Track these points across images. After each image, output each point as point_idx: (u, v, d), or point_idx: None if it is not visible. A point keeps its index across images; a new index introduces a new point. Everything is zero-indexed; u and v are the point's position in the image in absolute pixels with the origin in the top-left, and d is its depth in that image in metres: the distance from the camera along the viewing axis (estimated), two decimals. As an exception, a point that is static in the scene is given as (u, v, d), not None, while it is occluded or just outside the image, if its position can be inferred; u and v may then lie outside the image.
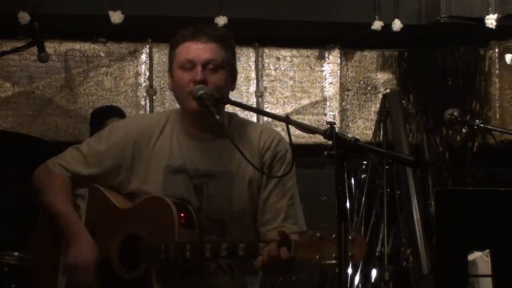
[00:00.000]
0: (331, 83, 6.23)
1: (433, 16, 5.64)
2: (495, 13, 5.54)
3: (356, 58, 6.29)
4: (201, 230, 2.98)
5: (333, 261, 2.60)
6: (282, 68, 6.15)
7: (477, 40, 6.14)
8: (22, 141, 5.15)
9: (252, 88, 6.09)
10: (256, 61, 6.08)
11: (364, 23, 5.66)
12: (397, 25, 5.64)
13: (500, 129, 5.01)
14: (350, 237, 2.53)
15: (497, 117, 6.11)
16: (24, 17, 5.02)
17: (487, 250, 3.08)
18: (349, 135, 2.65)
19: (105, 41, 5.86)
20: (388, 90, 6.23)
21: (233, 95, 5.69)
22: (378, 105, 6.19)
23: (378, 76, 6.32)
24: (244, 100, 5.96)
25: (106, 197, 3.12)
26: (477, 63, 6.21)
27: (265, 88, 6.12)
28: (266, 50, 6.13)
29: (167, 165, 3.05)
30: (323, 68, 6.22)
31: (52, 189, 3.14)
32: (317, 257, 2.63)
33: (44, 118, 5.76)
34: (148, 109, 5.87)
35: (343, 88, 6.25)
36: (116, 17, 5.25)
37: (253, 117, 5.92)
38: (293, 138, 2.76)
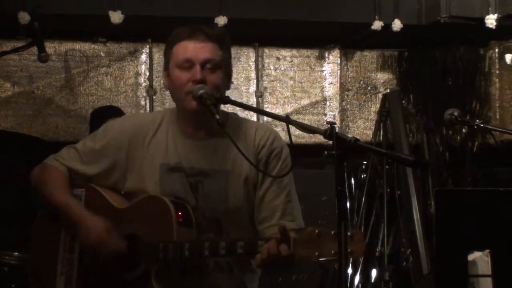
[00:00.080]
0: (331, 83, 6.23)
1: (433, 16, 5.64)
2: (495, 13, 5.54)
3: (356, 58, 6.29)
4: (198, 229, 2.98)
5: (332, 258, 2.60)
6: (282, 68, 6.15)
7: (477, 40, 6.14)
8: (22, 141, 5.15)
9: (252, 88, 6.09)
10: (256, 61, 6.08)
11: (364, 23, 5.66)
12: (397, 25, 5.64)
13: (500, 129, 5.01)
14: (349, 234, 2.53)
15: (497, 117, 6.11)
16: (24, 17, 5.02)
17: (487, 250, 3.08)
18: (349, 135, 2.65)
19: (105, 41, 5.86)
20: (388, 90, 6.23)
21: (233, 95, 5.72)
22: (378, 105, 6.19)
23: (378, 76, 6.32)
24: (244, 100, 5.95)
25: (103, 197, 3.12)
26: (477, 63, 6.21)
27: (265, 88, 6.12)
28: (266, 50, 6.13)
29: (163, 164, 3.05)
30: (323, 68, 6.22)
31: (50, 181, 3.14)
32: (316, 253, 2.63)
33: (44, 118, 5.76)
34: (148, 109, 5.87)
35: (343, 88, 6.25)
36: (116, 17, 5.25)
37: (253, 117, 5.92)
38: (293, 138, 2.76)
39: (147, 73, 5.90)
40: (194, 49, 3.01)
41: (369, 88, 6.31)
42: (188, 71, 3.00)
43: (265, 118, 5.93)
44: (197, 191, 3.04)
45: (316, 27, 5.81)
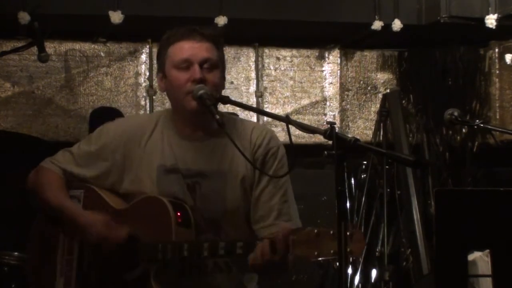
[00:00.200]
0: (331, 83, 6.23)
1: (433, 16, 5.64)
2: (495, 13, 5.54)
3: (356, 58, 6.29)
4: (196, 229, 2.98)
5: (332, 257, 2.61)
6: (282, 68, 6.15)
7: (477, 40, 6.14)
8: (22, 141, 5.15)
9: (252, 88, 6.09)
10: (256, 61, 6.08)
11: (364, 23, 5.66)
12: (397, 25, 5.64)
13: (500, 129, 5.00)
14: (348, 233, 2.53)
15: (497, 117, 6.11)
16: (24, 17, 5.02)
17: (487, 250, 3.08)
18: (349, 135, 2.65)
19: (105, 41, 5.86)
20: (388, 90, 6.23)
21: (233, 95, 5.73)
22: (378, 105, 6.19)
23: (378, 76, 6.32)
24: (244, 100, 5.96)
25: (101, 198, 3.12)
26: (477, 63, 6.21)
27: (265, 88, 6.12)
28: (266, 50, 6.13)
29: (159, 165, 3.05)
30: (323, 68, 6.22)
31: (46, 184, 3.14)
32: (316, 253, 2.64)
33: (44, 118, 5.76)
34: (148, 109, 5.87)
35: (343, 88, 6.25)
36: (116, 17, 5.25)
37: (253, 117, 5.92)
38: (293, 138, 2.76)
39: (147, 73, 5.90)
40: (191, 49, 3.00)
41: (369, 88, 6.31)
42: (186, 71, 2.99)
43: (265, 118, 5.94)
44: (194, 192, 3.03)
45: (316, 27, 5.81)
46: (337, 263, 2.53)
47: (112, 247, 3.01)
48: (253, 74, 6.09)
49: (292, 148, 2.79)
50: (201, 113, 2.97)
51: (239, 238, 2.89)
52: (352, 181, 6.08)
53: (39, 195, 3.15)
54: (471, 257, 3.30)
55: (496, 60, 6.10)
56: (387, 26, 5.63)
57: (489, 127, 4.77)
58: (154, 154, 3.07)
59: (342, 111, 6.25)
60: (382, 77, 6.33)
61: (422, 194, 5.97)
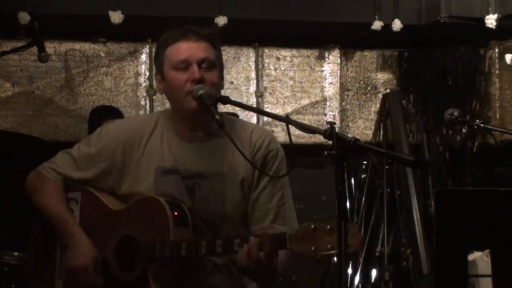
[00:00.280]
0: (331, 83, 6.23)
1: (433, 16, 5.64)
2: (495, 13, 5.54)
3: (356, 58, 6.29)
4: (195, 230, 2.98)
5: (329, 252, 2.61)
6: (282, 68, 6.15)
7: (477, 40, 6.14)
8: (22, 141, 5.15)
9: (252, 88, 6.09)
10: (256, 61, 6.09)
11: (364, 23, 5.67)
12: (397, 25, 5.64)
13: (500, 129, 5.00)
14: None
15: (497, 117, 6.11)
16: (24, 17, 5.02)
17: (487, 250, 3.08)
18: (349, 135, 2.65)
19: (105, 41, 5.86)
20: (388, 90, 6.23)
21: (233, 95, 5.73)
22: (378, 105, 6.19)
23: (378, 76, 6.32)
24: (244, 100, 5.96)
25: (99, 200, 3.11)
26: (477, 63, 6.21)
27: (265, 88, 6.12)
28: (266, 50, 6.13)
29: (158, 166, 3.05)
30: (323, 68, 6.22)
31: (45, 193, 3.14)
32: (313, 248, 2.64)
33: (44, 118, 5.77)
34: (148, 109, 5.87)
35: (343, 88, 6.25)
36: (116, 17, 5.25)
37: (253, 117, 5.93)
38: (293, 138, 2.76)
39: (147, 73, 5.90)
40: (189, 49, 3.00)
41: (369, 88, 6.31)
42: (185, 72, 2.99)
43: (265, 118, 5.94)
44: (193, 193, 3.03)
45: (316, 27, 5.81)
46: (335, 259, 2.54)
47: (83, 285, 3.03)
48: (253, 74, 6.09)
49: (292, 148, 2.78)
50: (201, 113, 2.96)
51: (236, 235, 2.88)
52: (352, 181, 6.08)
53: (37, 204, 3.15)
54: (471, 257, 3.30)
55: (496, 60, 6.11)
56: (387, 26, 5.64)
57: (489, 127, 4.77)
58: (153, 155, 3.07)
59: (342, 111, 6.25)
60: (382, 77, 6.33)
61: (422, 194, 5.97)
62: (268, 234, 2.78)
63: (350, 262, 5.75)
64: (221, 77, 3.08)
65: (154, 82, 5.76)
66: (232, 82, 6.01)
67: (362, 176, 6.04)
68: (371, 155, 5.97)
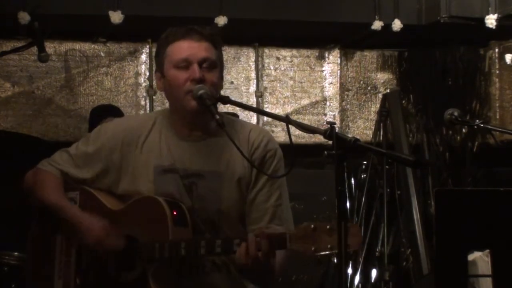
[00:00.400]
0: (331, 83, 6.23)
1: (433, 16, 5.64)
2: (495, 13, 5.54)
3: (356, 58, 6.29)
4: (194, 229, 2.98)
5: (329, 252, 2.61)
6: (282, 68, 6.15)
7: (477, 40, 6.14)
8: (22, 141, 5.15)
9: (252, 88, 6.09)
10: (256, 61, 6.08)
11: (364, 23, 5.66)
12: (397, 25, 5.64)
13: (500, 129, 5.00)
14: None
15: (497, 117, 6.11)
16: (24, 17, 5.02)
17: (487, 250, 3.08)
18: (349, 135, 2.65)
19: (105, 41, 5.86)
20: (388, 90, 6.23)
21: (233, 95, 5.73)
22: (378, 105, 6.19)
23: (378, 76, 6.32)
24: (244, 100, 5.96)
25: (97, 199, 3.11)
26: (477, 63, 6.21)
27: (265, 88, 6.12)
28: (266, 50, 6.13)
29: (156, 166, 3.05)
30: (323, 68, 6.22)
31: (44, 185, 3.13)
32: (313, 248, 2.65)
33: (44, 118, 5.77)
34: (148, 109, 5.87)
35: (343, 88, 6.25)
36: (116, 17, 5.25)
37: (253, 117, 5.93)
38: (293, 138, 2.76)
39: (147, 73, 5.90)
40: (190, 48, 3.00)
41: (369, 88, 6.31)
42: (186, 71, 2.99)
43: (265, 118, 5.94)
44: (191, 192, 3.03)
45: (316, 27, 5.81)
46: (336, 260, 2.54)
47: (106, 252, 3.01)
48: (253, 74, 6.09)
49: (292, 148, 2.78)
50: (200, 113, 2.96)
51: (235, 236, 2.89)
52: (352, 181, 6.08)
53: (36, 196, 3.14)
54: (471, 257, 3.30)
55: (496, 60, 6.10)
56: (387, 26, 5.63)
57: (489, 127, 4.77)
58: (152, 154, 3.07)
59: (342, 111, 6.25)
60: (382, 77, 6.33)
61: (422, 194, 5.97)
62: (266, 233, 2.78)
63: (350, 262, 5.76)
64: (221, 78, 3.08)
65: (154, 82, 5.83)
66: (232, 82, 6.01)
67: (362, 176, 6.04)
68: (371, 155, 5.97)
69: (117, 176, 3.10)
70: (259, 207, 3.04)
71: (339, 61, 6.23)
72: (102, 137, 3.14)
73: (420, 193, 5.84)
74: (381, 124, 6.00)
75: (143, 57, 5.91)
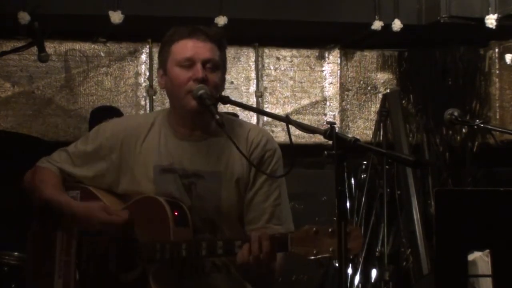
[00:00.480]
0: (331, 83, 6.23)
1: (433, 16, 5.64)
2: (495, 13, 5.54)
3: (356, 58, 6.29)
4: (194, 229, 2.98)
5: (330, 255, 2.61)
6: (282, 68, 6.15)
7: (477, 40, 6.14)
8: (22, 141, 5.15)
9: (252, 88, 6.09)
10: (256, 61, 6.09)
11: (364, 23, 5.66)
12: (397, 25, 5.64)
13: (500, 129, 5.01)
14: (347, 230, 2.53)
15: (497, 117, 6.11)
16: (24, 17, 5.02)
17: (487, 250, 3.08)
18: (349, 135, 2.65)
19: (105, 41, 5.86)
20: (388, 90, 6.23)
21: (233, 95, 5.72)
22: (378, 105, 6.19)
23: (378, 76, 6.32)
24: (244, 100, 5.96)
25: (98, 199, 3.11)
26: (477, 63, 6.21)
27: (265, 88, 6.12)
28: (266, 50, 6.13)
29: (156, 165, 3.05)
30: (323, 68, 6.22)
31: (43, 182, 3.13)
32: (314, 251, 2.64)
33: (44, 118, 5.77)
34: (148, 109, 5.87)
35: (343, 88, 6.25)
36: (116, 17, 5.25)
37: (253, 117, 5.93)
38: (293, 138, 2.76)
39: (147, 73, 5.91)
40: (195, 48, 3.00)
41: (369, 88, 6.31)
42: (188, 70, 2.99)
43: (265, 118, 5.94)
44: (190, 192, 3.03)
45: (316, 27, 5.81)
46: (337, 262, 2.54)
47: (115, 231, 3.01)
48: (253, 74, 6.09)
49: (292, 148, 2.78)
50: (200, 112, 2.96)
51: (237, 237, 2.89)
52: (352, 181, 6.08)
53: (36, 193, 3.14)
54: (471, 257, 3.30)
55: (496, 60, 6.10)
56: (387, 26, 5.63)
57: (489, 127, 4.77)
58: (151, 154, 3.07)
59: (342, 111, 6.25)
60: (382, 77, 6.33)
61: (422, 194, 5.97)
62: (268, 234, 2.78)
63: (350, 259, 5.75)
64: (224, 79, 3.08)
65: (154, 82, 5.84)
66: (232, 82, 6.00)
67: (362, 176, 6.04)
68: (371, 155, 5.97)
69: (116, 176, 3.10)
70: (258, 207, 3.04)
71: (339, 61, 6.23)
72: (101, 136, 3.14)
73: (420, 193, 5.84)
74: (381, 124, 6.00)
75: (143, 57, 5.91)
